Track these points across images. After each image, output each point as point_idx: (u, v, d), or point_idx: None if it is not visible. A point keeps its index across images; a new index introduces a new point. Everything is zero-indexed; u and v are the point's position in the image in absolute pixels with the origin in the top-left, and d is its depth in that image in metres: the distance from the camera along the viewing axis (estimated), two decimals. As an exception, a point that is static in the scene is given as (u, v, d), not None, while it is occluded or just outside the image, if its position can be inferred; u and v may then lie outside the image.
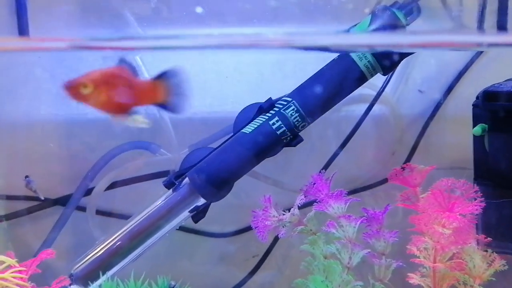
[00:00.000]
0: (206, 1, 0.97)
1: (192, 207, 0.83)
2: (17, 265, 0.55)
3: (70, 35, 0.95)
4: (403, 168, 0.84)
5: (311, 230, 0.83)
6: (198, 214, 0.84)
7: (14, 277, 0.52)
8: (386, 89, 1.04)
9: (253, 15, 0.98)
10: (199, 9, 0.96)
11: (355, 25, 0.87)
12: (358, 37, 0.73)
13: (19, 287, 0.54)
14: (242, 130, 0.82)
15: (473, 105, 0.89)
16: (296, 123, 0.80)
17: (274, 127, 0.80)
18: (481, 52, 1.03)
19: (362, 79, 0.82)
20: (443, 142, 1.09)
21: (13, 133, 1.02)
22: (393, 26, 0.85)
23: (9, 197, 1.02)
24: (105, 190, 1.01)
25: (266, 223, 0.82)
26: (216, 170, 0.82)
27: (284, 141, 0.81)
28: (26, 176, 0.97)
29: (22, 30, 0.97)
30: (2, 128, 1.02)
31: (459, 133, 1.04)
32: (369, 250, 0.79)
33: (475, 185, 0.77)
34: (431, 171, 0.83)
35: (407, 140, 1.07)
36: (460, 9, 0.93)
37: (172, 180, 0.83)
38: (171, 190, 0.84)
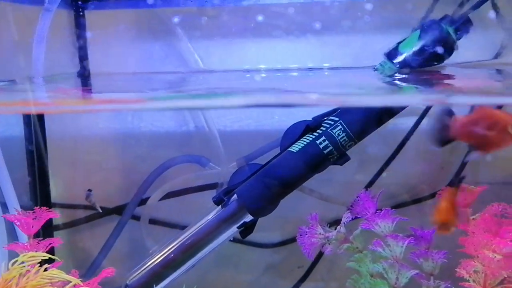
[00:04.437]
0: (255, 15, 0.99)
1: (240, 223, 0.86)
2: (81, 284, 0.60)
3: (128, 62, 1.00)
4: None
5: (357, 247, 0.83)
6: (246, 229, 0.86)
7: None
8: (436, 103, 1.02)
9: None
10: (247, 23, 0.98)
11: (403, 41, 0.87)
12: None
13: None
14: (289, 149, 0.84)
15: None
16: (343, 142, 0.81)
17: (321, 146, 0.81)
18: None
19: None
20: (496, 155, 1.05)
21: (74, 146, 1.09)
22: (443, 41, 0.84)
23: (69, 206, 1.09)
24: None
25: (312, 240, 0.83)
26: (264, 188, 0.84)
27: (331, 160, 0.82)
28: (89, 190, 1.02)
29: (81, 50, 1.03)
30: (64, 141, 1.08)
31: (513, 147, 1.01)
32: (417, 271, 0.79)
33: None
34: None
35: (458, 154, 1.05)
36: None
37: (221, 197, 0.85)
38: (220, 206, 0.86)
